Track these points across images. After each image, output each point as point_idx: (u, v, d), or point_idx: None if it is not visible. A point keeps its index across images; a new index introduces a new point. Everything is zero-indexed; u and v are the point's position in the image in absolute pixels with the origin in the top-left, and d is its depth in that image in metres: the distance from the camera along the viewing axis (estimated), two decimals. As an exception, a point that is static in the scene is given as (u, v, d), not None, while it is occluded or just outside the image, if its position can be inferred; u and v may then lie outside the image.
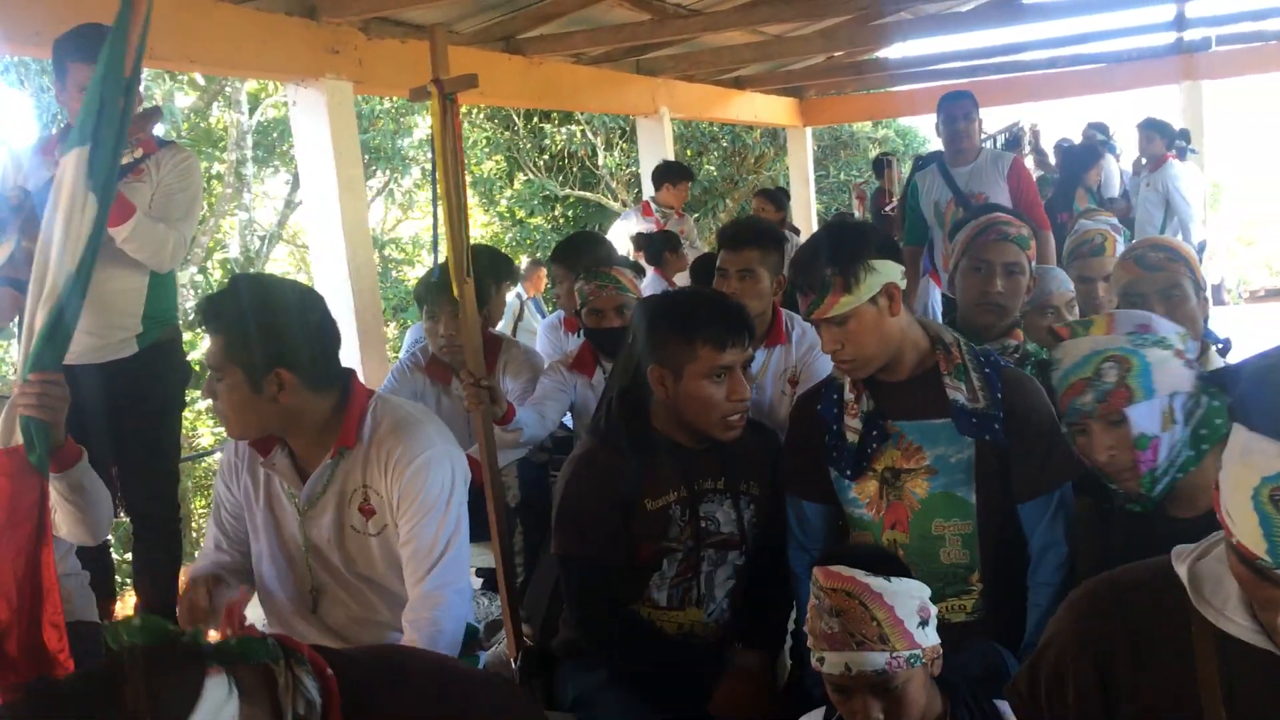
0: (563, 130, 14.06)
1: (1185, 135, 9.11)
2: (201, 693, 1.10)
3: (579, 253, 3.98)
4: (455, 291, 2.69)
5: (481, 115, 14.13)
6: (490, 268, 3.41)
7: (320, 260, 5.26)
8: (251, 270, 13.14)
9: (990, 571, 2.19)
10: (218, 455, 2.37)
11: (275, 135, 13.86)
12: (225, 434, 2.33)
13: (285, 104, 12.19)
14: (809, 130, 12.08)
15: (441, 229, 2.60)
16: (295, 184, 13.64)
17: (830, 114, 12.42)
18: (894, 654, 1.71)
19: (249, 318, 2.02)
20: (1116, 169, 8.68)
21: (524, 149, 14.15)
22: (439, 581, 2.14)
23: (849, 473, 2.21)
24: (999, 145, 9.18)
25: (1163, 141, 7.97)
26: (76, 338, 3.10)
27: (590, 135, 14.02)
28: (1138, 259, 2.58)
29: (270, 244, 14.03)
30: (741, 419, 2.29)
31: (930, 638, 1.75)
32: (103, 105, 1.99)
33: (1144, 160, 8.17)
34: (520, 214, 14.55)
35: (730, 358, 2.23)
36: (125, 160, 3.05)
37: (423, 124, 14.17)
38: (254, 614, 2.24)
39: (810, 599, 1.81)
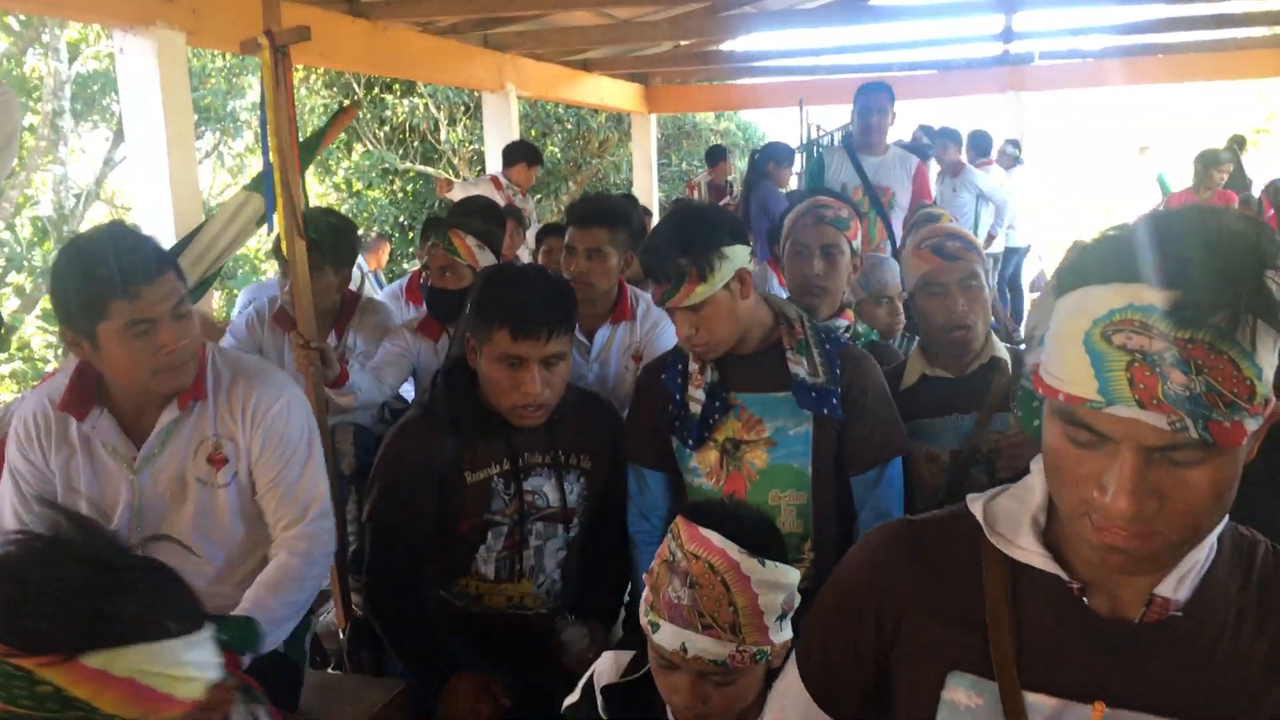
0: (404, 102, 13.76)
1: (1016, 144, 9.60)
2: None
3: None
4: (285, 250, 2.62)
5: (319, 82, 13.70)
6: (338, 237, 3.35)
7: (144, 222, 4.99)
8: (65, 229, 12.41)
9: (822, 541, 2.25)
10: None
11: (96, 88, 13.08)
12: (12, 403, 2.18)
13: (108, 54, 11.50)
14: (654, 117, 12.17)
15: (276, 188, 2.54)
16: (117, 141, 12.92)
17: (675, 102, 12.53)
18: (741, 647, 1.54)
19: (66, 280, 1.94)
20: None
21: (363, 119, 13.77)
22: (312, 513, 2.15)
23: (690, 443, 2.24)
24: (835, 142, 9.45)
25: (956, 149, 8.38)
26: None
27: (433, 109, 13.76)
28: (935, 248, 2.47)
29: (86, 203, 13.24)
30: (533, 413, 2.27)
31: (785, 632, 1.59)
32: None
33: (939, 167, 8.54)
34: (358, 186, 14.17)
35: (524, 350, 2.19)
36: None
37: (257, 85, 13.62)
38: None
39: (662, 552, 1.64)
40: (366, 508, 2.37)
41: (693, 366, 2.26)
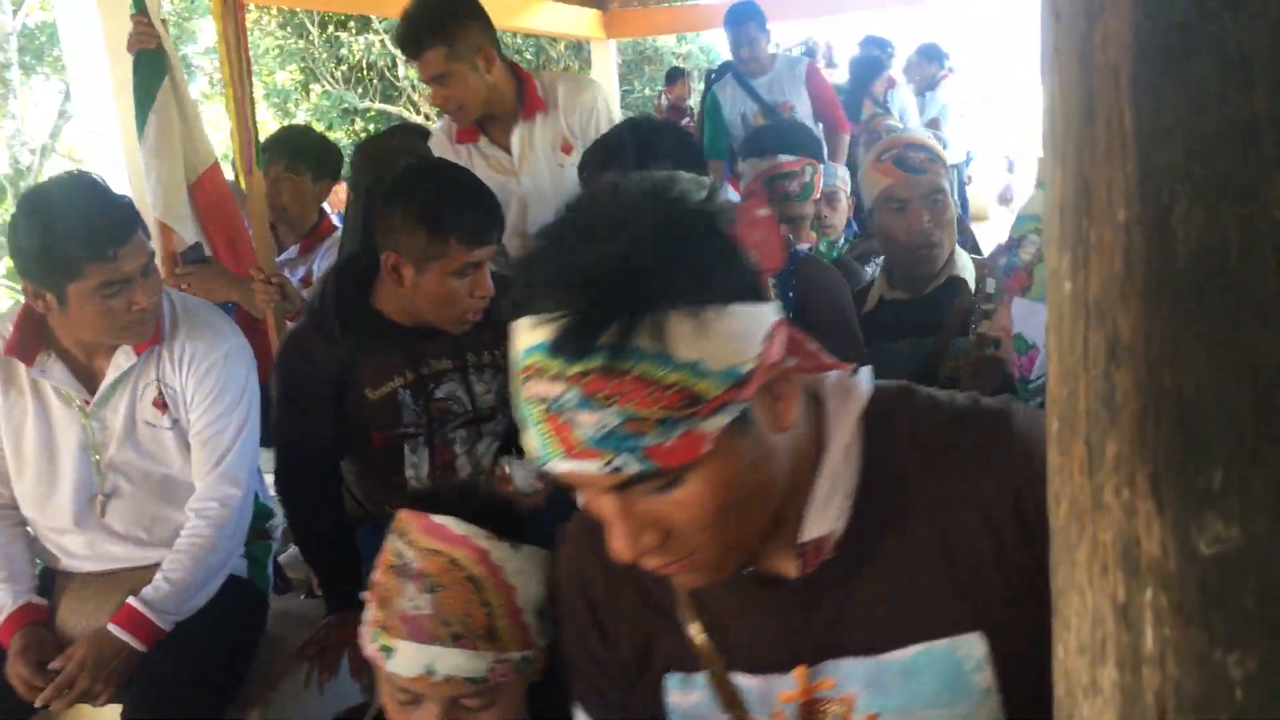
0: (360, 40, 13.54)
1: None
2: None
3: None
4: (242, 183, 2.65)
5: (273, 23, 13.46)
6: (323, 150, 3.43)
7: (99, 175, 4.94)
8: (22, 185, 12.24)
9: None
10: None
11: (44, 39, 12.84)
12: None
13: (51, 4, 11.24)
14: (613, 43, 12.01)
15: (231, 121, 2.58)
16: (69, 94, 12.69)
17: (634, 26, 12.33)
18: (501, 657, 1.23)
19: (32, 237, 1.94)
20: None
21: (320, 59, 13.58)
22: (227, 473, 2.16)
23: None
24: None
25: (933, 66, 8.34)
26: None
27: (390, 45, 13.56)
28: (898, 160, 2.33)
29: (43, 157, 13.05)
30: (479, 314, 2.17)
31: (547, 631, 1.27)
32: None
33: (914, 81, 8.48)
34: (319, 127, 14.01)
35: (481, 254, 2.10)
36: None
37: (208, 29, 13.38)
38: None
39: (385, 558, 1.29)
40: (273, 418, 2.28)
41: None
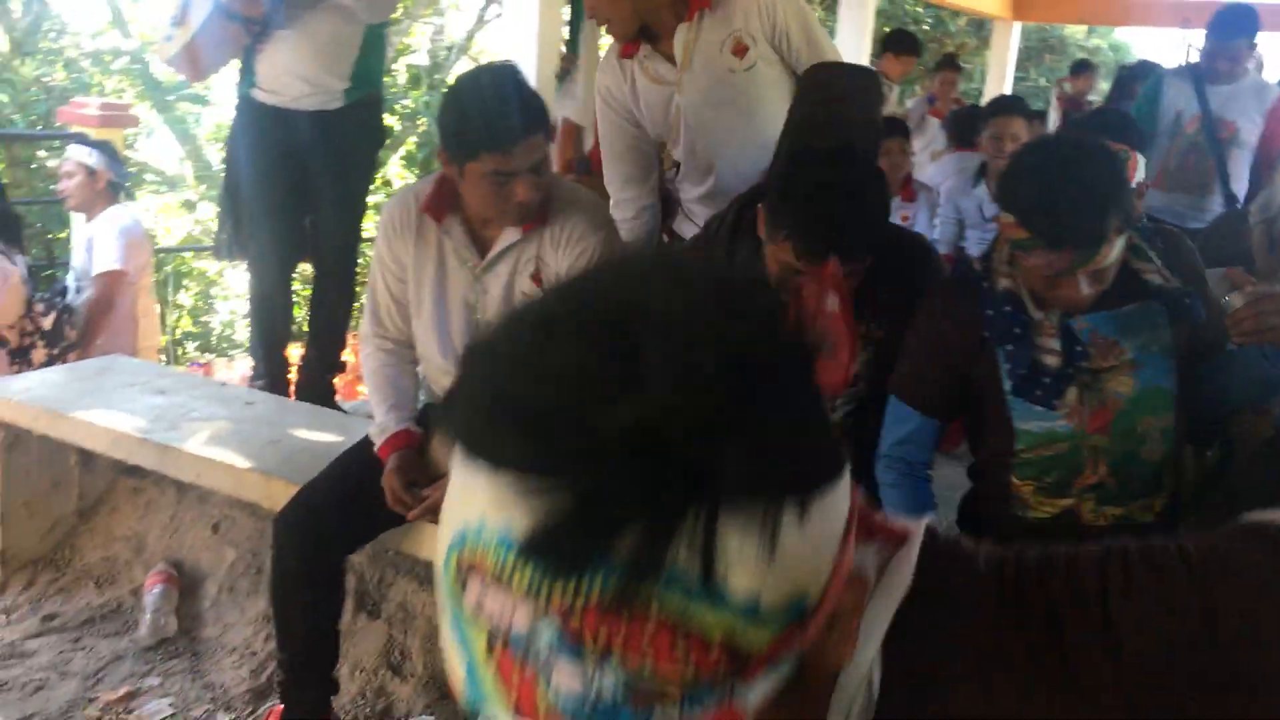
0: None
1: None
2: None
3: None
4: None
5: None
6: None
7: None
8: (436, 78, 13.34)
9: (1177, 467, 2.02)
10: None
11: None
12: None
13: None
14: (1018, 25, 11.47)
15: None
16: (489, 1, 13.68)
17: (1045, 11, 11.72)
18: None
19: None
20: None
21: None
22: None
23: (1054, 401, 1.93)
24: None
25: None
26: (291, 83, 3.42)
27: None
28: None
29: (456, 55, 14.15)
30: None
31: None
32: None
33: None
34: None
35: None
36: None
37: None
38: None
39: None
40: None
41: (1034, 314, 1.93)
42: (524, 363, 0.51)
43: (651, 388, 0.48)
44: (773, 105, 2.61)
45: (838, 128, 2.35)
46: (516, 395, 0.50)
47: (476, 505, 0.51)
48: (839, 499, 0.55)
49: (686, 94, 2.63)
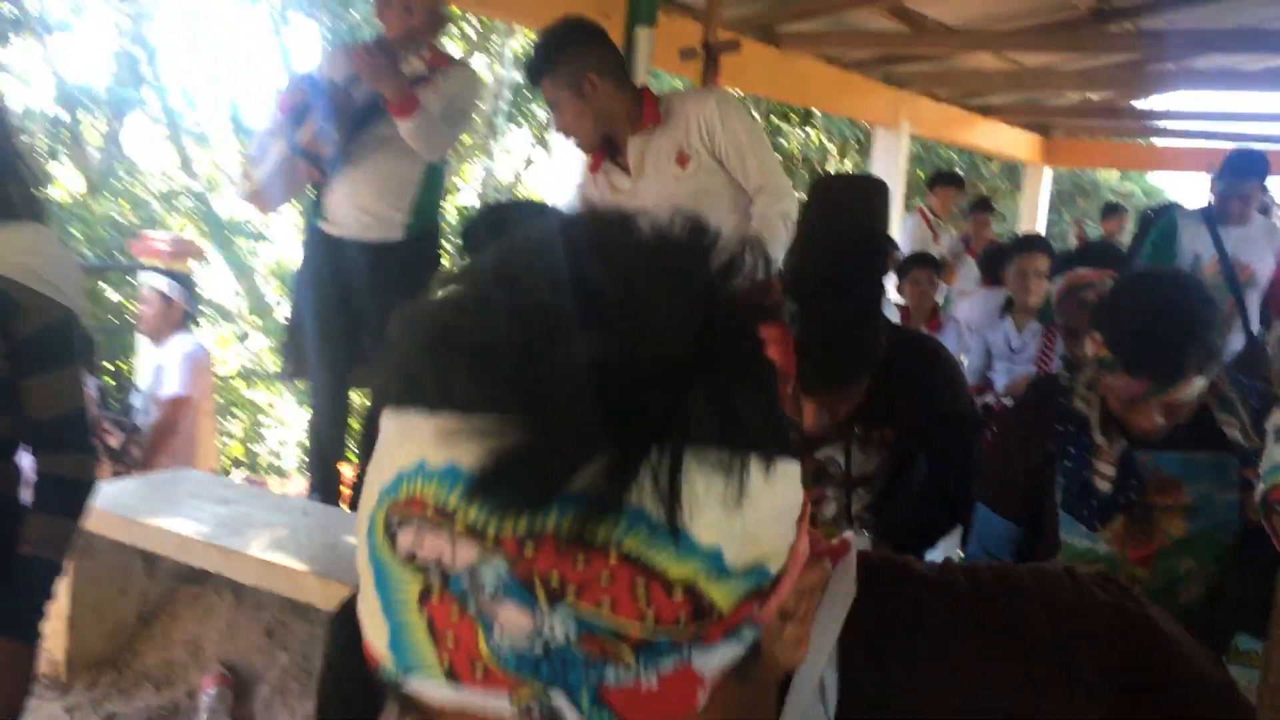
0: (799, 132, 14.18)
1: None
2: None
3: None
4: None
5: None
6: None
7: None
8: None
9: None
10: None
11: (525, 93, 14.52)
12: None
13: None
14: (1049, 170, 11.79)
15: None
16: (539, 142, 14.28)
17: (1076, 157, 12.05)
18: None
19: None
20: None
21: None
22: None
23: (1097, 523, 1.99)
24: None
25: None
26: (353, 214, 3.64)
27: (826, 141, 14.10)
28: None
29: (505, 196, 14.73)
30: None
31: None
32: None
33: None
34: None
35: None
36: (415, 69, 3.51)
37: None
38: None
39: None
40: None
41: (1099, 438, 1.98)
42: (473, 301, 0.49)
43: (615, 324, 0.46)
44: (715, 211, 2.87)
45: (844, 234, 2.57)
46: (464, 331, 0.48)
47: (412, 450, 0.48)
48: (796, 480, 0.55)
49: (639, 199, 2.91)
